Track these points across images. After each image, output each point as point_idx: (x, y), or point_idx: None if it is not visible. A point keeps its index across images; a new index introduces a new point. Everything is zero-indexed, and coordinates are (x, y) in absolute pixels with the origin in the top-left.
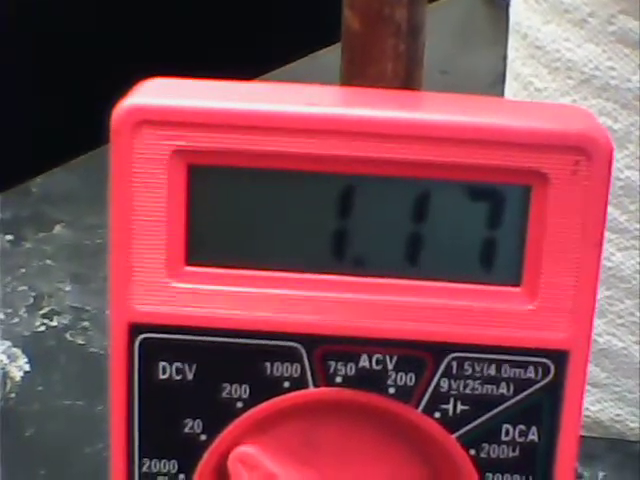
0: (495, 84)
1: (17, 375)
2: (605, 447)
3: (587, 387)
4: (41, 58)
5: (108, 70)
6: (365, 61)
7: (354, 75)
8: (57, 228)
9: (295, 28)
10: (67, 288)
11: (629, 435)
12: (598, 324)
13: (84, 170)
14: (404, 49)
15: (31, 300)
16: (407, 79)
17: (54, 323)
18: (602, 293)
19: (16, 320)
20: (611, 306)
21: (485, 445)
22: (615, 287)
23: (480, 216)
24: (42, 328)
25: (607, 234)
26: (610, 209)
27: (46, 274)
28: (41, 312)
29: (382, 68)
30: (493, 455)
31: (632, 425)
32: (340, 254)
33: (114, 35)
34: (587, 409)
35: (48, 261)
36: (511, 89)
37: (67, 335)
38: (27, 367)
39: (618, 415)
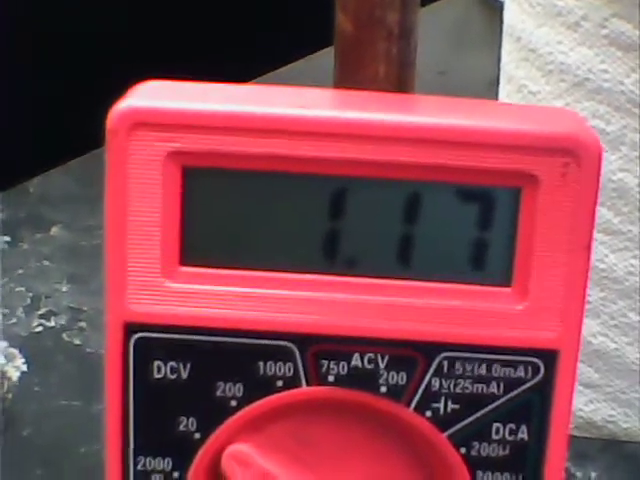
0: (493, 85)
1: (14, 375)
2: (598, 448)
3: (580, 388)
4: (39, 59)
5: (108, 70)
6: (357, 64)
7: (347, 78)
8: (54, 229)
9: (293, 30)
10: (64, 289)
11: (622, 436)
12: (591, 325)
13: (82, 171)
14: (396, 52)
15: (28, 301)
16: (399, 82)
17: (51, 324)
18: (595, 294)
19: (14, 320)
20: (604, 307)
21: (476, 443)
22: (608, 288)
23: (471, 217)
24: (39, 329)
25: (600, 236)
26: (603, 211)
27: (43, 275)
28: (38, 313)
29: (374, 71)
30: (484, 453)
31: (625, 426)
32: (332, 255)
33: (113, 36)
34: (580, 409)
35: (45, 262)
36: (505, 92)
37: (64, 335)
38: (24, 367)
39: (611, 416)
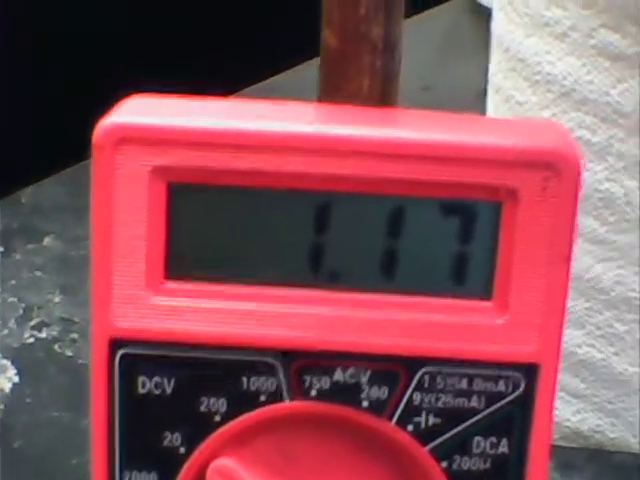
0: (481, 96)
1: (6, 387)
2: (585, 458)
3: (567, 398)
4: (39, 59)
5: (108, 70)
6: (342, 78)
7: (331, 92)
8: (47, 240)
9: (285, 40)
10: (56, 300)
11: (609, 446)
12: (577, 335)
13: (74, 181)
14: (380, 65)
15: (20, 312)
16: (383, 96)
17: (43, 335)
18: (581, 304)
19: (5, 332)
20: (590, 317)
21: (457, 457)
22: (594, 298)
23: (452, 231)
24: (31, 340)
25: (586, 245)
26: (590, 221)
27: (36, 286)
28: (30, 324)
29: (358, 85)
30: (465, 467)
31: (612, 435)
32: (316, 269)
33: (113, 36)
34: (567, 419)
35: (38, 272)
36: (492, 103)
37: (56, 347)
38: (16, 379)
39: (598, 425)
